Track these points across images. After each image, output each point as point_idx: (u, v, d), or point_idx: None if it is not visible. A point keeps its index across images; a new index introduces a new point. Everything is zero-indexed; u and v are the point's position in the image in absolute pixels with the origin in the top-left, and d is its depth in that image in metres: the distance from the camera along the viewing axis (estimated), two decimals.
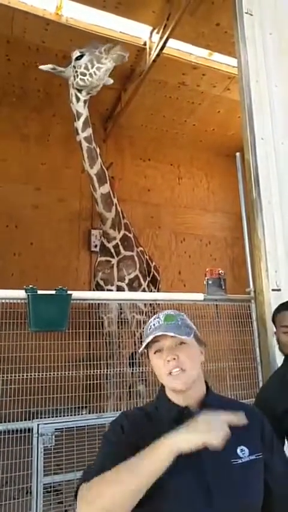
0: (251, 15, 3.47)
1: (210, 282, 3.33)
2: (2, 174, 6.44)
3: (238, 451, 1.21)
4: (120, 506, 1.00)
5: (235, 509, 1.14)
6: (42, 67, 3.80)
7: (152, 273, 4.82)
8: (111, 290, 3.99)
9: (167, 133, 7.75)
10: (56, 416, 2.75)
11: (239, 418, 1.12)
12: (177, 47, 5.94)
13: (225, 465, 1.17)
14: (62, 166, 6.94)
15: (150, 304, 3.76)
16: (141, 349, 1.32)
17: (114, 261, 4.06)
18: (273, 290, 3.02)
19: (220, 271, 3.38)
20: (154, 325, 1.30)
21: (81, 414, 3.02)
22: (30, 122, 6.93)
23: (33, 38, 5.52)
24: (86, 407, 3.33)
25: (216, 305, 3.34)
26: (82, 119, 3.78)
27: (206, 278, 3.36)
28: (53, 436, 2.57)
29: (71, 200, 6.92)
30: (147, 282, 4.31)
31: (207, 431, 1.04)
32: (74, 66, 3.68)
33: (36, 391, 2.71)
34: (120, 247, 4.05)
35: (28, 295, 2.68)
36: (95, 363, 3.04)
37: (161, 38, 5.29)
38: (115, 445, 1.18)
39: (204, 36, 5.64)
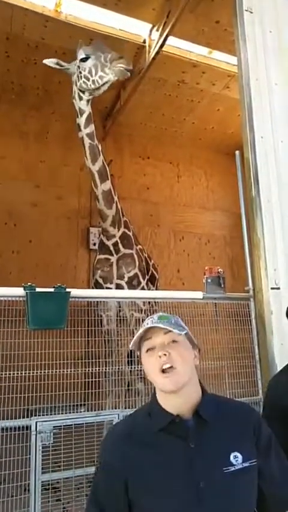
0: (251, 12, 3.46)
1: (209, 281, 3.33)
2: (0, 172, 6.42)
3: (231, 457, 1.19)
4: None
5: None
6: (46, 61, 3.77)
7: (150, 271, 4.82)
8: (110, 288, 3.99)
9: (166, 131, 7.74)
10: (55, 414, 2.75)
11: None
12: (177, 45, 5.91)
13: (217, 473, 1.17)
14: (60, 164, 6.92)
15: (149, 302, 3.76)
16: (131, 343, 1.33)
17: (113, 259, 4.06)
18: (272, 288, 3.03)
19: (219, 270, 3.38)
20: (148, 324, 1.31)
21: (80, 412, 3.02)
22: (29, 119, 6.90)
23: (33, 35, 5.50)
24: (84, 405, 3.33)
25: (215, 303, 3.34)
26: (85, 116, 3.78)
27: (205, 276, 3.36)
28: (52, 434, 2.57)
29: (69, 198, 6.90)
30: (146, 280, 4.30)
31: None
32: (79, 67, 3.67)
33: (35, 388, 2.71)
34: (120, 245, 4.04)
35: (27, 292, 2.68)
36: (93, 360, 3.05)
37: (160, 35, 5.26)
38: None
39: (204, 34, 5.62)
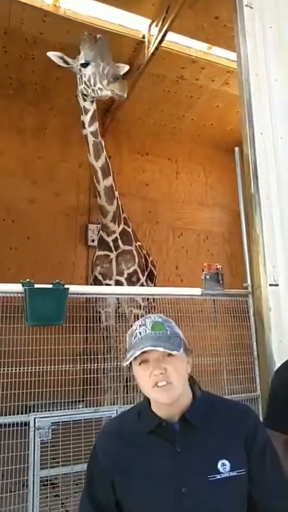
0: (251, 8, 3.43)
1: (207, 277, 3.32)
2: None
3: (219, 465, 1.16)
4: None
5: None
6: (50, 54, 3.74)
7: (149, 268, 4.82)
8: (109, 284, 3.98)
9: (165, 127, 7.71)
10: (53, 410, 2.75)
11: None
12: (176, 41, 5.87)
13: (201, 480, 1.14)
14: (58, 160, 6.89)
15: (147, 298, 3.76)
16: (126, 362, 1.24)
17: (113, 255, 4.05)
18: (270, 285, 3.03)
19: (218, 266, 3.38)
20: (140, 333, 1.22)
21: (78, 408, 3.02)
22: (26, 115, 6.86)
23: (31, 30, 5.45)
24: (82, 401, 3.33)
25: (214, 300, 3.34)
26: (90, 114, 3.79)
27: (204, 273, 3.35)
28: (50, 430, 2.57)
29: (68, 194, 6.88)
30: (145, 276, 4.30)
31: None
32: (80, 70, 3.65)
33: (33, 384, 2.70)
34: (120, 241, 4.04)
35: (25, 289, 2.67)
36: (92, 357, 3.04)
37: (159, 31, 5.23)
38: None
39: (203, 30, 5.59)
